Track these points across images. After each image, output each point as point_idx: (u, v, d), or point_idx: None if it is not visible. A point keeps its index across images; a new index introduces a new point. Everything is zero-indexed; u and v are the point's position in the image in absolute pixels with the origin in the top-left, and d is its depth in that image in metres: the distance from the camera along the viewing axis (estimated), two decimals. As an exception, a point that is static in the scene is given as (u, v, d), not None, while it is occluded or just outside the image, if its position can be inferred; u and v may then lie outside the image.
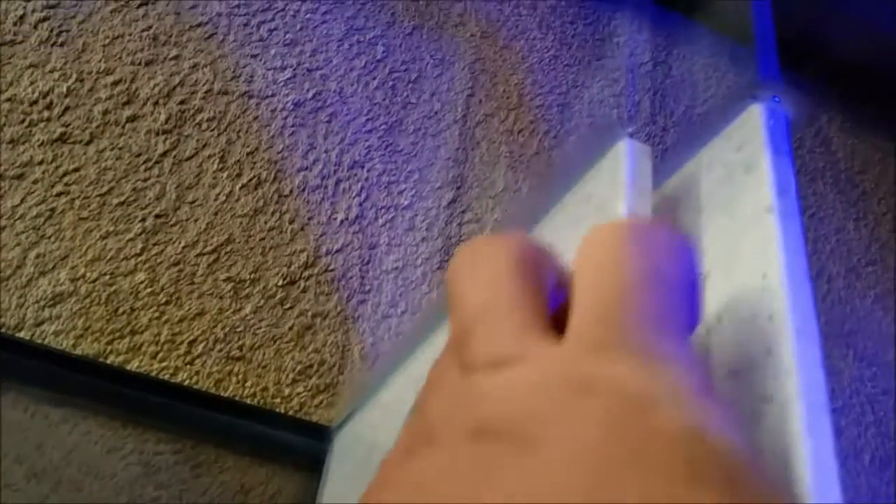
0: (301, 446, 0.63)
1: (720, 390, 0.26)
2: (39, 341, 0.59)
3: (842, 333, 0.85)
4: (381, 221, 0.73)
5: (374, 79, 0.78)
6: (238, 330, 0.63)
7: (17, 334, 0.58)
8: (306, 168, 0.71)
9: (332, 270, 0.69)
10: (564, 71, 0.89)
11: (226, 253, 0.65)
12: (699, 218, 0.30)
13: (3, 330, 0.58)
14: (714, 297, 0.28)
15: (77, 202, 0.62)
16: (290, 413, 0.63)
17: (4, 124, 0.62)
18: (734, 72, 0.92)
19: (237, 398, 0.62)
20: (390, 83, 0.79)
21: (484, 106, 0.83)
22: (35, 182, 0.62)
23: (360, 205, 0.72)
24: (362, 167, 0.74)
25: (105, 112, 0.66)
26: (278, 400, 0.63)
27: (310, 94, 0.74)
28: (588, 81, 0.89)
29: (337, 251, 0.70)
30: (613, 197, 0.30)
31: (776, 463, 0.23)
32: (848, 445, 0.79)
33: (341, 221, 0.71)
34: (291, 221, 0.69)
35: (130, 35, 0.69)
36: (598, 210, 0.32)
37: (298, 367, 0.65)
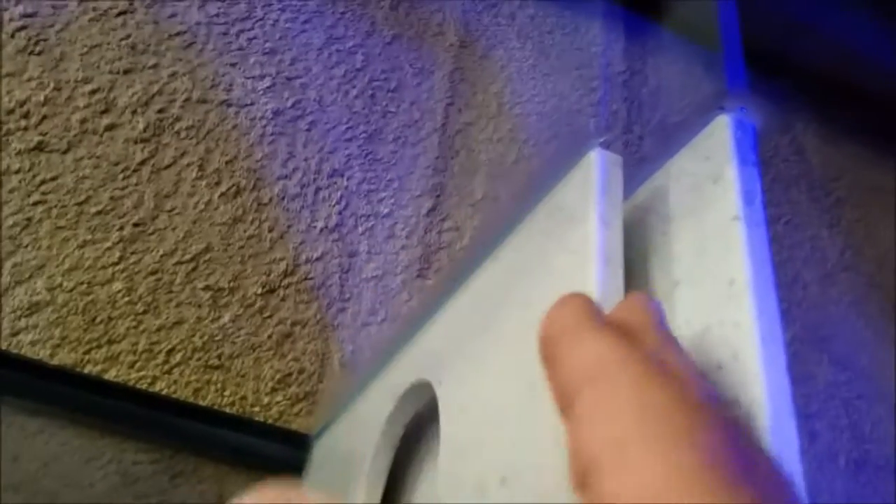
0: (280, 455, 0.62)
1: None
2: (16, 351, 0.58)
3: (816, 339, 0.87)
4: (360, 230, 0.73)
5: (354, 88, 0.78)
6: (216, 339, 0.63)
7: (-8, 344, 0.58)
8: (286, 176, 0.72)
9: (311, 279, 0.69)
10: (543, 80, 0.89)
11: (204, 262, 0.65)
12: (669, 227, 0.31)
13: (-21, 340, 0.57)
14: (683, 305, 0.29)
15: (54, 211, 0.62)
16: (270, 422, 0.63)
17: (-20, 133, 0.62)
18: (708, 81, 0.93)
19: (216, 407, 0.62)
20: (370, 92, 0.79)
21: (463, 115, 0.83)
22: (12, 191, 0.61)
23: (340, 213, 0.73)
24: (342, 175, 0.74)
25: (83, 121, 0.66)
26: (257, 409, 0.63)
27: (289, 103, 0.74)
28: (567, 90, 0.90)
29: (316, 259, 0.70)
30: (584, 207, 0.31)
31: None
32: (823, 450, 0.80)
33: (321, 230, 0.71)
34: (271, 230, 0.69)
35: (109, 44, 0.68)
36: (569, 220, 0.32)
37: (277, 376, 0.64)
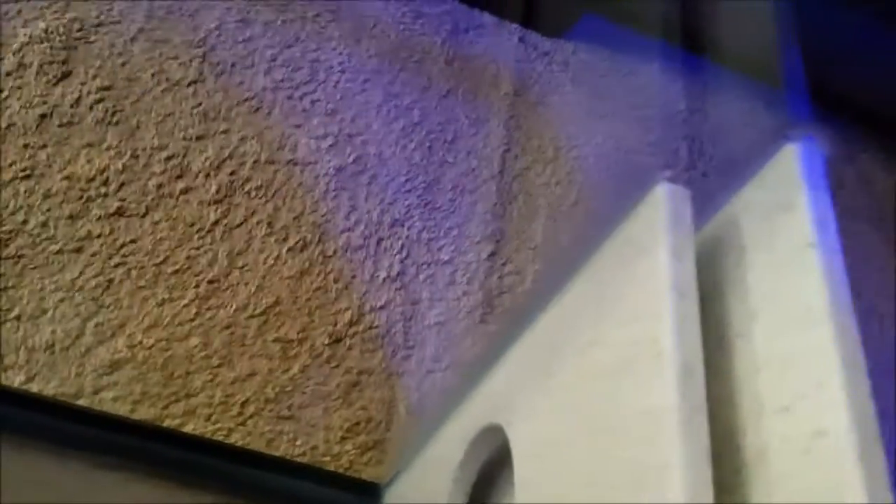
0: (353, 505, 0.63)
1: (770, 427, 0.26)
2: (98, 408, 0.61)
3: (893, 373, 0.83)
4: (422, 277, 0.74)
5: (412, 141, 0.80)
6: (287, 389, 0.65)
7: (75, 402, 0.60)
8: (349, 229, 0.73)
9: (376, 327, 0.70)
10: (599, 122, 0.90)
11: (274, 314, 0.67)
12: (742, 258, 0.31)
13: (62, 398, 0.60)
14: (763, 336, 0.29)
15: (133, 272, 0.65)
16: (340, 471, 0.64)
17: (63, 201, 0.66)
18: (767, 115, 0.93)
19: (288, 457, 0.63)
20: (427, 144, 0.81)
21: (520, 160, 0.85)
22: (93, 255, 0.65)
23: (402, 262, 0.74)
24: (402, 225, 0.76)
25: (159, 186, 0.69)
26: (328, 458, 0.64)
27: (351, 159, 0.77)
28: (623, 132, 0.90)
29: (380, 308, 0.71)
30: (654, 241, 0.31)
31: (830, 496, 0.23)
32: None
33: (384, 279, 0.72)
34: (336, 281, 0.71)
35: (181, 112, 0.72)
36: (639, 255, 0.32)
37: (346, 425, 0.65)
